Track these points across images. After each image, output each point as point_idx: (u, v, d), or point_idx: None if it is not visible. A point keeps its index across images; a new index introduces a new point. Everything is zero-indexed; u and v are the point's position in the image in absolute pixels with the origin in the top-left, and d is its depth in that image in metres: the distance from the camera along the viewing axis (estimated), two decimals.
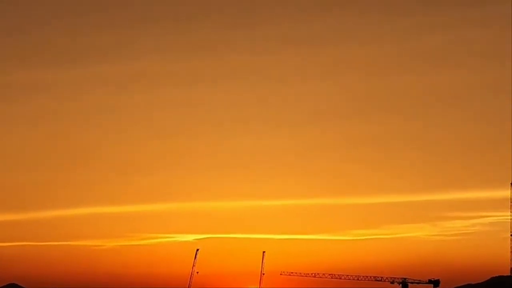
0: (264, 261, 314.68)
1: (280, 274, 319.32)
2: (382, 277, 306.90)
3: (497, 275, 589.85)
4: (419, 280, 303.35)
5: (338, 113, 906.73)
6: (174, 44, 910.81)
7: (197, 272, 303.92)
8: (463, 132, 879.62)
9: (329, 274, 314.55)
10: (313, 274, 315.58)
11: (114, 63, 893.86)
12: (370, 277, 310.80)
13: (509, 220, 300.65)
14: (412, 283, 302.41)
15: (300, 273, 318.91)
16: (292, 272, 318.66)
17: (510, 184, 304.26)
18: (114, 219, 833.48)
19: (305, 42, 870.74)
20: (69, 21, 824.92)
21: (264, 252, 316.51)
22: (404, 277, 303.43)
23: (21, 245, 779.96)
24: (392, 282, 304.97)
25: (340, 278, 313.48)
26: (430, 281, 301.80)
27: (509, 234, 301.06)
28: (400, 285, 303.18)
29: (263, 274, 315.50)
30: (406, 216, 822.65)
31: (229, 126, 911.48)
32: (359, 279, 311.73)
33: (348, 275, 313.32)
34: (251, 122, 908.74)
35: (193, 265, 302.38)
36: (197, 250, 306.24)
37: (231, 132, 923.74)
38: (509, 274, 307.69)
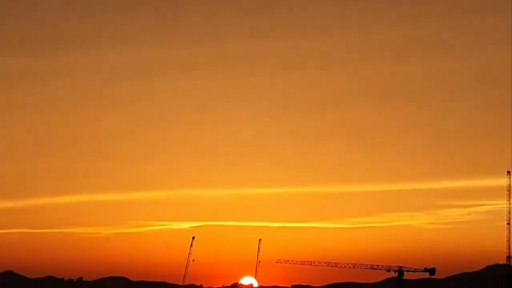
0: (260, 249, 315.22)
1: (276, 262, 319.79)
2: (378, 265, 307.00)
3: (493, 264, 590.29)
4: (415, 269, 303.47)
5: (336, 101, 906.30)
6: (172, 32, 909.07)
7: (193, 260, 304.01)
8: (460, 120, 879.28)
9: (325, 262, 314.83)
10: (309, 262, 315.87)
11: (112, 50, 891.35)
12: (366, 265, 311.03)
13: (506, 209, 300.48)
14: (408, 271, 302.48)
15: (296, 261, 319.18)
16: (288, 260, 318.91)
17: (506, 173, 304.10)
18: (110, 207, 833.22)
19: (301, 29, 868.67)
20: (70, 5, 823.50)
21: (260, 240, 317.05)
22: (400, 265, 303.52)
23: (17, 232, 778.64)
24: (388, 270, 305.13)
25: (336, 266, 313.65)
26: (426, 269, 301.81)
27: (505, 223, 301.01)
28: (396, 273, 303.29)
29: (259, 262, 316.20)
30: (402, 204, 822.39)
31: (226, 114, 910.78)
32: (355, 267, 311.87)
33: (344, 263, 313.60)
34: (248, 110, 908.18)
35: (189, 253, 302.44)
36: (193, 238, 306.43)
37: (228, 119, 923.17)
38: (505, 262, 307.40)
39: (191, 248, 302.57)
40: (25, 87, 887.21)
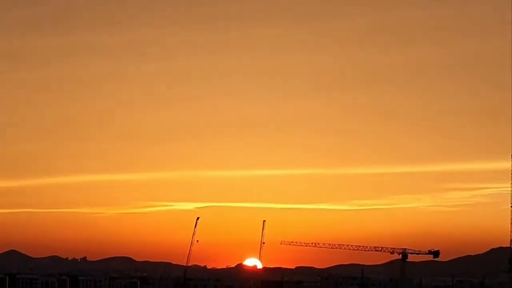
0: (264, 230, 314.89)
1: (280, 244, 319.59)
2: (382, 247, 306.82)
3: (497, 247, 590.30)
4: (419, 251, 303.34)
5: (341, 84, 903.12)
6: (183, 14, 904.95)
7: (197, 241, 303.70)
8: (464, 104, 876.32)
9: (329, 244, 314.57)
10: (313, 244, 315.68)
11: (122, 32, 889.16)
12: (370, 247, 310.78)
13: (509, 192, 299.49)
14: (412, 253, 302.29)
15: (300, 243, 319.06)
16: (292, 242, 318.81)
17: (510, 156, 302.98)
18: (115, 187, 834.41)
19: (303, 15, 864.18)
20: None
21: (264, 221, 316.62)
22: (404, 247, 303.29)
23: (21, 212, 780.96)
24: (392, 253, 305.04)
25: (340, 248, 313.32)
26: (430, 252, 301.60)
27: (509, 206, 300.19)
28: (400, 255, 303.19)
29: (263, 243, 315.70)
30: (407, 187, 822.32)
31: (231, 97, 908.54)
32: (359, 249, 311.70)
33: (348, 245, 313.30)
34: (253, 93, 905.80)
35: (193, 234, 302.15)
36: (197, 218, 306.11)
37: (234, 102, 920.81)
38: (509, 245, 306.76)
39: (195, 228, 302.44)
40: (30, 68, 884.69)
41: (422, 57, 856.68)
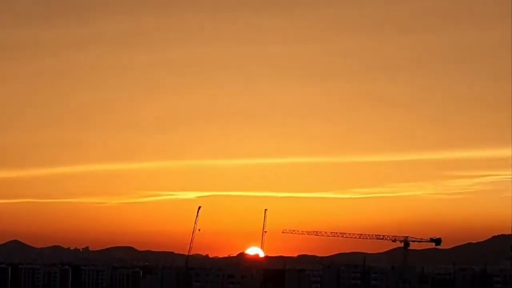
0: (266, 219, 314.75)
1: (282, 232, 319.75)
2: (384, 235, 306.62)
3: (498, 234, 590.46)
4: (421, 239, 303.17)
5: (343, 73, 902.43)
6: (181, 4, 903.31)
7: (199, 230, 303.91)
8: (466, 91, 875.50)
9: (331, 232, 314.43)
10: (315, 232, 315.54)
11: (118, 21, 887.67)
12: (372, 235, 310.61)
13: (511, 180, 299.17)
14: (413, 241, 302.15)
15: (302, 231, 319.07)
16: (294, 230, 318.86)
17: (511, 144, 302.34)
18: (116, 177, 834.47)
19: (300, 3, 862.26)
20: None
21: (266, 209, 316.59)
22: (406, 235, 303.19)
23: (23, 202, 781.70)
24: (394, 241, 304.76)
25: (342, 236, 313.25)
26: (431, 240, 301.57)
27: (510, 194, 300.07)
28: (402, 243, 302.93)
29: (265, 232, 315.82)
30: (409, 174, 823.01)
31: (232, 86, 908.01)
32: (361, 237, 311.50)
33: (350, 233, 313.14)
34: (253, 82, 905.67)
35: (195, 223, 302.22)
36: (199, 207, 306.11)
37: (234, 91, 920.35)
38: (510, 233, 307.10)
39: (197, 218, 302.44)
40: (29, 58, 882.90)
41: (425, 45, 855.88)
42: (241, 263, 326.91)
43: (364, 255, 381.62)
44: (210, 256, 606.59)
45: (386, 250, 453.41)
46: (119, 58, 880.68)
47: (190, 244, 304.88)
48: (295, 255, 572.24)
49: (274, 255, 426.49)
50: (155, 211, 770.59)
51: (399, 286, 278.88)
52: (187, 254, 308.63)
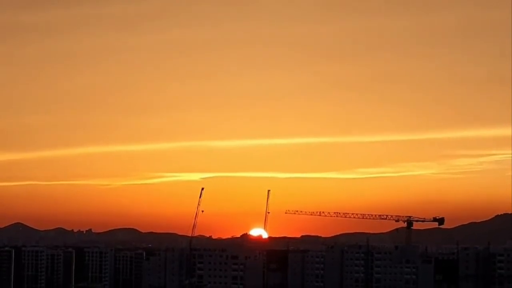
0: (269, 199, 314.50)
1: (285, 213, 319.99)
2: (387, 215, 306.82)
3: (502, 213, 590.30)
4: (424, 218, 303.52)
5: (346, 53, 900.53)
6: None
7: (202, 211, 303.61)
8: (470, 70, 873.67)
9: (334, 213, 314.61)
10: (318, 213, 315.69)
11: (124, 4, 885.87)
12: (375, 215, 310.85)
13: None
14: (417, 221, 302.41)
15: (305, 212, 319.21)
16: (297, 211, 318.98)
17: None
18: (120, 159, 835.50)
19: None
20: None
21: (269, 190, 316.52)
22: (409, 215, 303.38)
23: (27, 185, 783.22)
24: (397, 220, 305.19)
25: (345, 217, 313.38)
26: (434, 219, 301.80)
27: None
28: (405, 223, 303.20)
29: (268, 212, 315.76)
30: (412, 154, 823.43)
31: (235, 67, 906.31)
32: (365, 217, 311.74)
33: (353, 213, 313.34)
34: (256, 63, 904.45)
35: (198, 204, 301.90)
36: (202, 189, 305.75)
37: (237, 72, 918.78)
38: None
39: (200, 199, 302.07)
40: (35, 41, 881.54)
41: (430, 24, 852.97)
42: (245, 244, 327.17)
43: (367, 235, 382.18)
44: (214, 237, 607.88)
45: (390, 230, 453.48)
46: (123, 40, 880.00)
47: (194, 225, 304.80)
48: (299, 235, 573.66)
49: (277, 236, 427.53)
50: (158, 193, 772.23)
51: (402, 265, 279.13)
52: (190, 235, 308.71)
